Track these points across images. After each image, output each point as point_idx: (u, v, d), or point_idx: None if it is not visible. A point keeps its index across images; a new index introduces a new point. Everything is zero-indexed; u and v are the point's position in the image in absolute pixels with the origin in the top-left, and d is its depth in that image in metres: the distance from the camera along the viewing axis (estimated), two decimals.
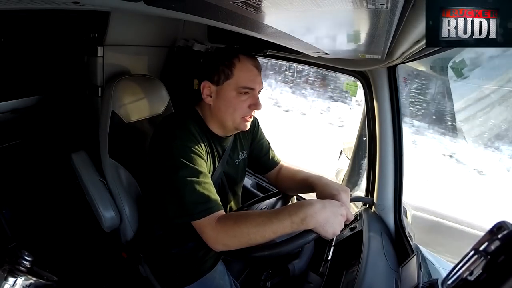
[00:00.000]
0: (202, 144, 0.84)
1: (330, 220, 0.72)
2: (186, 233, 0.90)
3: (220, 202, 0.79)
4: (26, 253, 0.76)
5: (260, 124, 1.11)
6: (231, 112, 0.86)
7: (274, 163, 1.10)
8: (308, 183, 0.95)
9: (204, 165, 0.82)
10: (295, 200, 1.10)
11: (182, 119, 0.86)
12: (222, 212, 0.78)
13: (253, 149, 1.09)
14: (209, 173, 0.87)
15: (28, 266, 0.75)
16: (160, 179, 0.82)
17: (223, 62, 0.84)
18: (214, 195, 0.78)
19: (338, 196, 0.82)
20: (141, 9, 0.43)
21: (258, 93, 0.88)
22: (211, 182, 0.81)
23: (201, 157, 0.81)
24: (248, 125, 0.90)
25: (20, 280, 0.73)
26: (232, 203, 1.05)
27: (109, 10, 1.08)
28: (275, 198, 1.09)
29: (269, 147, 1.11)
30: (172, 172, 0.77)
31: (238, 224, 0.73)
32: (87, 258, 1.45)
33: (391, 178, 1.11)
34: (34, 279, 0.75)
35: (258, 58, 0.91)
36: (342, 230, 0.81)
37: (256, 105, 0.87)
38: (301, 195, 1.34)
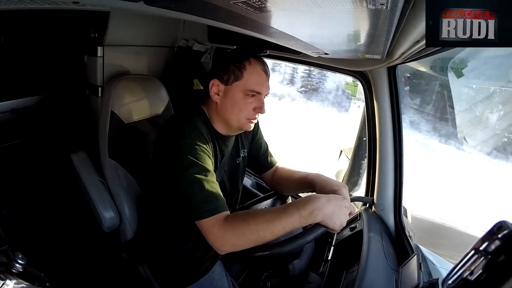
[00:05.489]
0: (209, 143, 0.85)
1: (336, 212, 0.74)
2: (185, 234, 0.90)
3: (225, 203, 0.79)
4: (20, 256, 0.74)
5: (259, 124, 1.11)
6: (237, 113, 0.87)
7: (270, 164, 1.11)
8: (307, 181, 0.96)
9: (211, 164, 0.82)
10: (290, 201, 1.10)
11: (191, 117, 0.86)
12: (228, 212, 0.78)
13: (252, 148, 1.09)
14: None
15: (20, 269, 0.73)
16: (167, 177, 0.83)
17: (234, 63, 0.85)
18: (221, 195, 0.78)
19: (339, 191, 0.84)
20: (141, 9, 0.43)
21: (264, 97, 0.89)
22: (217, 182, 0.81)
23: (208, 156, 0.82)
24: (252, 126, 0.91)
25: (11, 283, 0.71)
26: (233, 202, 1.05)
27: (109, 10, 1.08)
28: (273, 199, 1.09)
29: (267, 148, 1.12)
30: (181, 170, 0.77)
31: (246, 221, 0.72)
32: (87, 259, 1.45)
33: (391, 178, 1.11)
34: (25, 283, 0.73)
35: None
36: (342, 230, 0.81)
37: (261, 108, 0.88)
38: (298, 194, 1.34)
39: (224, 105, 0.88)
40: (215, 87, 0.88)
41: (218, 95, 0.88)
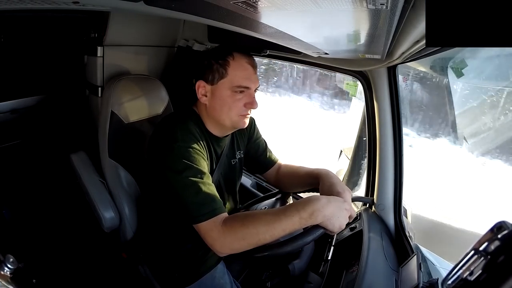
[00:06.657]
0: (203, 145, 0.84)
1: (336, 214, 0.73)
2: (185, 233, 0.90)
3: (223, 205, 0.78)
4: (11, 259, 0.68)
5: (256, 123, 1.10)
6: (227, 111, 0.85)
7: (271, 162, 1.10)
8: (314, 176, 0.94)
9: (206, 166, 0.81)
10: (291, 200, 1.09)
11: (183, 120, 0.85)
12: (226, 214, 0.76)
13: (250, 148, 1.08)
14: None
15: (8, 274, 0.70)
16: (161, 181, 0.81)
17: (217, 60, 0.83)
18: (218, 197, 0.77)
19: (343, 194, 0.83)
20: (141, 9, 0.43)
21: (254, 91, 0.87)
22: (213, 184, 0.80)
23: (203, 157, 0.81)
24: (247, 121, 0.89)
25: None
26: (230, 204, 1.05)
27: (109, 10, 1.08)
28: (274, 199, 1.09)
29: (266, 146, 1.11)
30: (176, 173, 0.75)
31: (246, 225, 0.71)
32: (87, 259, 1.45)
33: (391, 178, 1.11)
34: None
35: (257, 58, 0.90)
36: (342, 230, 0.81)
37: (251, 103, 0.86)
38: (300, 194, 1.34)
39: (213, 106, 0.86)
40: (202, 88, 0.86)
41: (206, 96, 0.86)
